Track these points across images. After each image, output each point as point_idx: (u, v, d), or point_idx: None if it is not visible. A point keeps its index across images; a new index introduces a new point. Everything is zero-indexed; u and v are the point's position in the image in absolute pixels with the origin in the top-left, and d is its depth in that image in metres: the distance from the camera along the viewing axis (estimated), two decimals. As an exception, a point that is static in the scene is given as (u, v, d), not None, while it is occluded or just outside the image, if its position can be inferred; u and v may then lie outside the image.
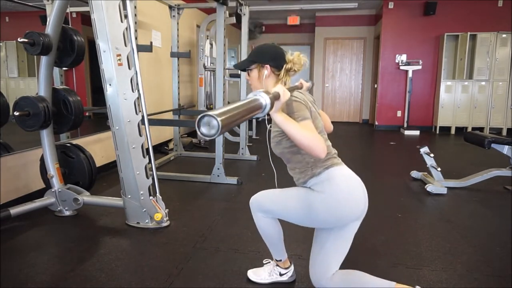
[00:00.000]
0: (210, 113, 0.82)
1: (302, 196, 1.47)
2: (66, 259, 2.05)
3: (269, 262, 1.85)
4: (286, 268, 1.79)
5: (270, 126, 1.53)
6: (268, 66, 1.53)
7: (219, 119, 0.81)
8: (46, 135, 2.62)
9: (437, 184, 3.30)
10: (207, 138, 0.94)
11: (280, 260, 1.77)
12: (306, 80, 1.74)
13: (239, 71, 4.46)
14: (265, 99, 1.07)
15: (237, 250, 2.14)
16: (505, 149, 3.28)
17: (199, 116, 0.83)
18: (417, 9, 7.21)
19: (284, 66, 1.54)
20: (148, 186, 2.46)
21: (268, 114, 1.22)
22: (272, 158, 1.62)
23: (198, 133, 0.86)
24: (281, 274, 1.79)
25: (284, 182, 1.71)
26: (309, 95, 1.59)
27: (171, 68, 4.69)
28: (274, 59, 1.53)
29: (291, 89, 1.41)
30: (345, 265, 1.97)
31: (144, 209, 2.45)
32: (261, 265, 1.91)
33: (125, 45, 2.33)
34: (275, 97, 1.15)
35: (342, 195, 1.41)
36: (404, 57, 7.36)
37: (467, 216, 2.76)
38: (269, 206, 1.57)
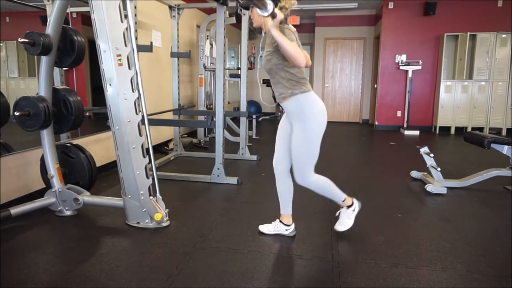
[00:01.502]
0: None
1: (301, 135, 2.05)
2: (66, 259, 2.05)
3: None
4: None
5: (262, 53, 2.10)
6: None
7: None
8: (46, 135, 2.62)
9: (437, 184, 3.30)
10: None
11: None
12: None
13: (239, 73, 4.46)
14: (271, 4, 1.73)
15: (237, 250, 2.15)
16: (505, 149, 3.28)
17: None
18: (417, 9, 7.22)
19: (278, 4, 1.98)
20: (148, 186, 2.46)
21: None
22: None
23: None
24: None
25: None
26: (294, 30, 2.05)
27: (171, 68, 4.69)
28: None
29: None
30: (345, 264, 1.98)
31: (144, 209, 2.45)
32: (261, 265, 1.93)
33: (125, 45, 2.33)
34: (275, 13, 1.77)
35: (319, 113, 2.04)
36: (404, 57, 7.36)
37: (467, 216, 2.76)
38: (305, 163, 2.10)
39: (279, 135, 2.24)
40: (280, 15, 1.79)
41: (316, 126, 2.04)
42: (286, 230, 2.33)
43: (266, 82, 6.68)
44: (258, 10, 1.78)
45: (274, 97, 2.19)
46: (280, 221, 2.33)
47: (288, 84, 2.01)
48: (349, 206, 2.33)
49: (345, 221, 2.34)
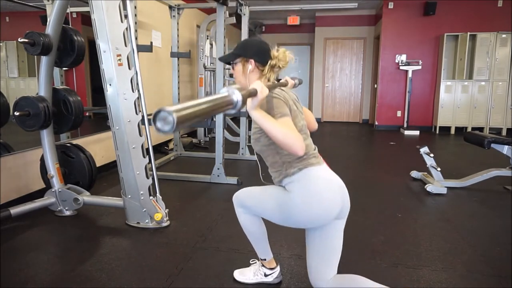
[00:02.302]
0: (167, 108, 0.77)
1: (277, 195, 1.48)
2: (66, 259, 2.05)
3: (255, 263, 1.86)
4: (271, 269, 1.78)
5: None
6: (252, 60, 1.51)
7: (174, 115, 0.77)
8: (46, 135, 2.62)
9: (437, 184, 3.30)
10: (162, 134, 0.83)
11: (265, 259, 1.76)
12: (293, 77, 1.70)
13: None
14: (237, 96, 1.03)
15: (237, 250, 2.15)
16: (504, 149, 3.28)
17: (155, 111, 0.78)
18: (417, 9, 7.22)
19: (269, 62, 1.52)
20: (148, 186, 2.46)
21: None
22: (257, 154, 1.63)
23: (154, 128, 0.80)
24: (266, 275, 1.78)
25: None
26: (292, 93, 1.56)
27: (171, 68, 4.69)
28: (259, 54, 1.51)
29: (274, 86, 1.41)
30: (345, 265, 1.98)
31: (144, 209, 2.45)
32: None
33: (125, 45, 2.33)
34: (251, 94, 1.15)
35: (311, 196, 1.39)
36: (404, 57, 7.36)
37: (467, 216, 2.76)
38: (248, 203, 1.59)
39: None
40: (262, 93, 1.19)
41: (302, 214, 1.41)
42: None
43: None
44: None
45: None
46: None
47: (281, 168, 1.47)
48: (264, 266, 1.78)
49: (248, 273, 1.82)
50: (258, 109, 1.26)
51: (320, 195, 1.39)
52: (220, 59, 1.67)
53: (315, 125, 1.71)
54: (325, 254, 1.49)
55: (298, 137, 1.26)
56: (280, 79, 1.63)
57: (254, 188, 1.61)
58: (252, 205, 1.58)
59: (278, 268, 1.80)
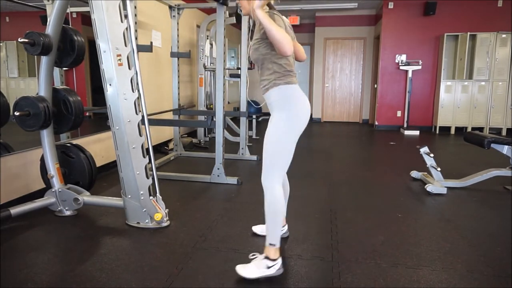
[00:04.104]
0: None
1: (275, 128, 1.84)
2: (66, 259, 2.05)
3: (256, 257, 1.89)
4: (274, 260, 1.83)
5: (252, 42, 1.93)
6: None
7: None
8: (46, 135, 2.62)
9: (437, 184, 3.30)
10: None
11: (274, 245, 1.83)
12: None
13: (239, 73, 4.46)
14: None
15: (237, 250, 2.14)
16: (504, 149, 3.28)
17: None
18: (417, 9, 7.22)
19: None
20: (148, 186, 2.46)
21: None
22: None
23: None
24: (268, 267, 1.82)
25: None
26: (288, 21, 1.93)
27: (171, 68, 4.69)
28: None
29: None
30: (345, 265, 1.98)
31: (144, 209, 2.45)
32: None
33: (125, 45, 2.33)
34: None
35: (299, 104, 1.85)
36: (404, 57, 7.36)
37: (467, 216, 2.76)
38: (271, 161, 1.83)
39: None
40: None
41: (295, 121, 1.82)
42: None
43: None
44: None
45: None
46: None
47: (273, 76, 1.85)
48: (268, 258, 1.83)
49: (252, 267, 1.83)
50: (262, 10, 1.67)
51: (306, 108, 1.87)
52: None
53: (303, 56, 2.08)
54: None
55: (289, 39, 1.63)
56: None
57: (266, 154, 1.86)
58: (275, 158, 1.83)
59: (280, 260, 1.85)
